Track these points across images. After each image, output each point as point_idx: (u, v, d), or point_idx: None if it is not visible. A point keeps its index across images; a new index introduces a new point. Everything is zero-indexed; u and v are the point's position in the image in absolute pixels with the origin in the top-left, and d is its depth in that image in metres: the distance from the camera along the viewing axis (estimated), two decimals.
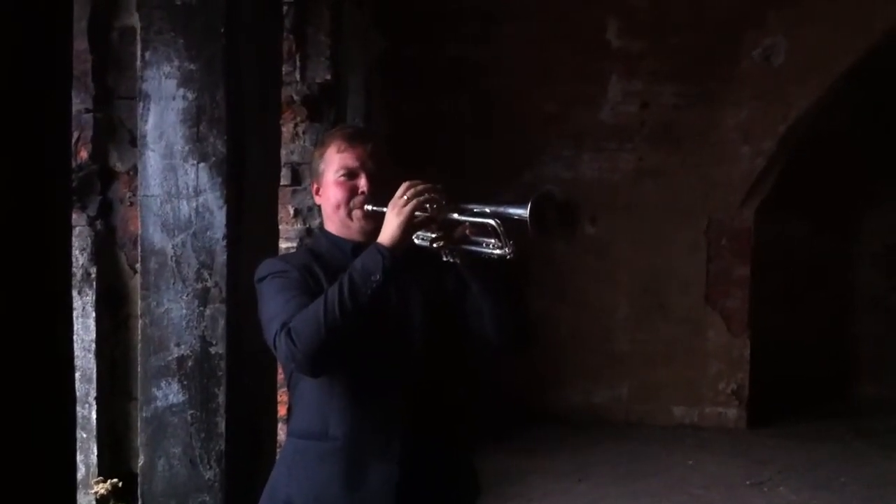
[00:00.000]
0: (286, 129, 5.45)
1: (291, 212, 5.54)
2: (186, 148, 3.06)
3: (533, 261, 7.46)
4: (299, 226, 5.60)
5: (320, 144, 2.57)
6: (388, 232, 2.20)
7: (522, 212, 2.04)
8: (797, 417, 7.96)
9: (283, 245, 4.91)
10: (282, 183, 5.31)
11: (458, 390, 2.47)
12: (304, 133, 5.62)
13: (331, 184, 2.40)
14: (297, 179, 5.51)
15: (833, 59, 7.09)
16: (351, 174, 2.38)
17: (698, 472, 6.53)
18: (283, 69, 5.43)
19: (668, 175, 7.74)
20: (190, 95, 3.05)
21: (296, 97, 5.52)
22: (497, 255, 2.13)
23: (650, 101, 7.63)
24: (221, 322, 3.09)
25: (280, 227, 5.41)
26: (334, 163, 2.40)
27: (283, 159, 5.29)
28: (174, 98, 3.05)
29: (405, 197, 2.20)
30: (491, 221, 2.12)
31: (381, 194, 2.30)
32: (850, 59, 7.05)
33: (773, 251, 8.38)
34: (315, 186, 2.49)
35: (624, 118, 7.70)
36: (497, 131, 7.59)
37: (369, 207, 2.35)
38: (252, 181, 3.24)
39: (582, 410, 7.84)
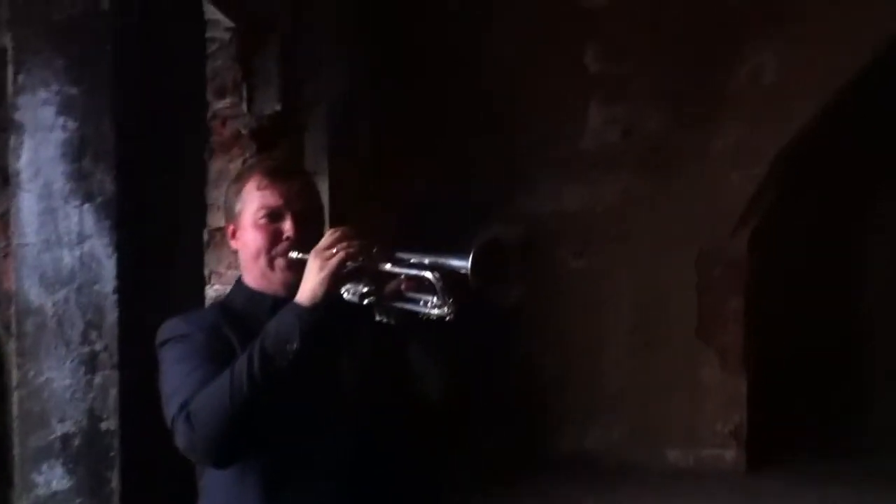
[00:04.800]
0: (234, 166, 5.04)
1: None
2: (67, 187, 2.62)
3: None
4: None
5: (237, 178, 2.19)
6: (309, 288, 1.85)
7: (463, 263, 1.76)
8: (801, 457, 7.51)
9: None
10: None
11: (406, 461, 2.11)
12: None
13: (249, 227, 2.05)
14: None
15: (826, 78, 6.69)
16: (274, 216, 2.03)
17: None
18: (229, 101, 5.06)
19: (656, 204, 7.34)
20: (71, 125, 2.60)
21: (243, 131, 5.11)
22: (436, 314, 1.84)
23: (633, 128, 7.23)
24: (113, 392, 2.63)
25: (231, 272, 4.99)
26: (254, 202, 2.05)
27: None
28: (53, 129, 2.61)
29: (330, 247, 1.86)
30: (429, 275, 1.81)
31: (308, 240, 1.96)
32: (843, 77, 6.66)
33: (771, 281, 7.94)
34: (231, 228, 2.11)
35: (607, 146, 7.30)
36: (479, 159, 7.20)
37: (295, 255, 1.99)
38: (151, 224, 2.79)
39: (574, 456, 7.39)
